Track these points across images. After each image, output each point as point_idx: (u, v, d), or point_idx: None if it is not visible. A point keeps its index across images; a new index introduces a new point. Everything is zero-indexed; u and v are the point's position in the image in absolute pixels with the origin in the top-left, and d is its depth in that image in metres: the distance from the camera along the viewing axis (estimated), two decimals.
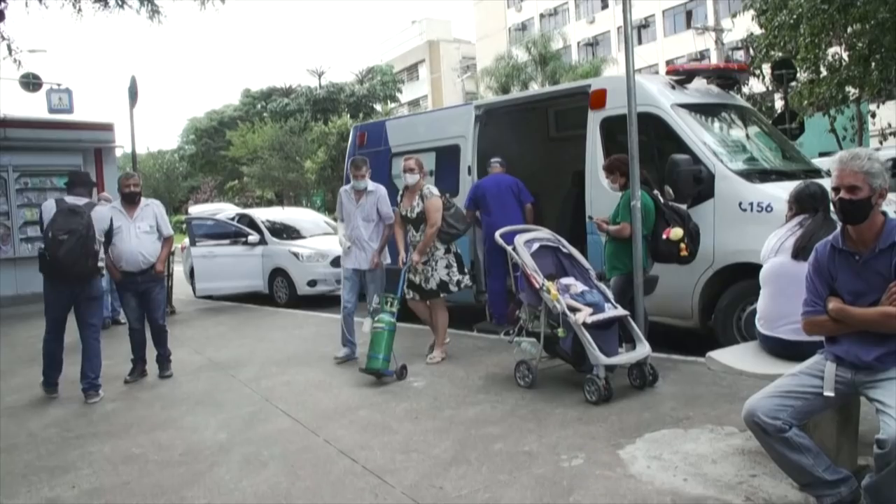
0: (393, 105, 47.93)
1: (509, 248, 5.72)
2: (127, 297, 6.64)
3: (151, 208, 6.66)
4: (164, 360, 6.76)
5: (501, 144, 8.83)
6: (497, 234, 5.98)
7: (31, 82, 16.63)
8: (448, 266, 6.54)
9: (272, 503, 3.68)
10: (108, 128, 15.01)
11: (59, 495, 4.02)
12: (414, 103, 56.79)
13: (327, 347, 7.28)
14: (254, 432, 4.90)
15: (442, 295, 6.59)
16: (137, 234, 6.44)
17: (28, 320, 6.96)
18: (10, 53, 12.01)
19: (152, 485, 4.08)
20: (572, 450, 4.15)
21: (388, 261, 7.10)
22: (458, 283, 6.57)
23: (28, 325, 6.92)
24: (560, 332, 5.25)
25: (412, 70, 61.37)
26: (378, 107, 45.79)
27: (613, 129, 6.95)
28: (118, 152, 16.23)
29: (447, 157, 8.55)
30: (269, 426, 5.01)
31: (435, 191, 6.54)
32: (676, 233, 5.54)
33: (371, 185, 6.87)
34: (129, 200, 6.56)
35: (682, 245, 5.55)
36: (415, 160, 6.63)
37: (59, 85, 17.14)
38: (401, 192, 6.78)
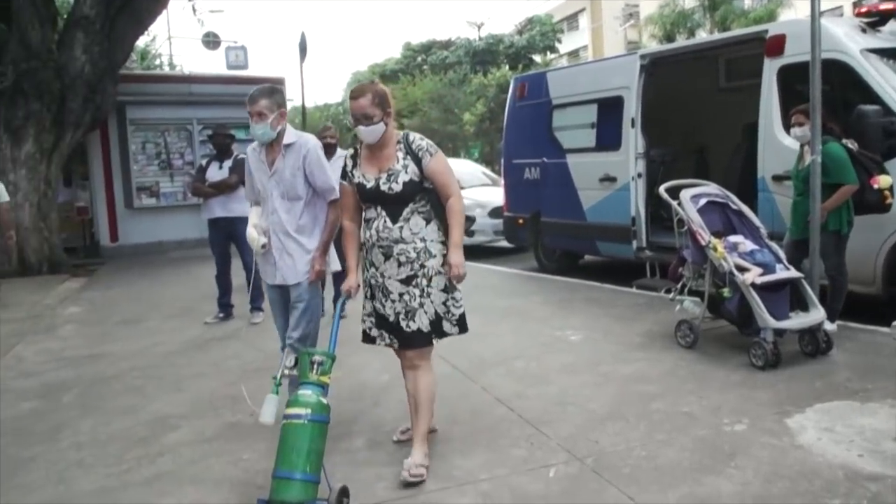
0: (552, 56, 46.98)
1: (674, 203, 5.53)
2: None
3: (343, 160, 7.04)
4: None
5: (667, 95, 8.51)
6: (662, 189, 5.80)
7: (211, 41, 17.88)
8: (448, 289, 3.58)
9: (432, 441, 3.83)
10: (279, 82, 15.77)
11: (239, 420, 4.39)
12: (573, 54, 55.37)
13: (483, 298, 7.40)
14: None
15: (436, 341, 3.61)
16: None
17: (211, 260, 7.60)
18: (194, 14, 12.87)
19: None
20: (735, 414, 4.01)
21: (335, 267, 4.19)
22: (461, 319, 3.65)
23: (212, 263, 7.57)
24: (725, 291, 5.05)
25: (572, 20, 59.68)
26: (537, 58, 45.07)
27: (792, 78, 6.47)
28: (288, 106, 17.12)
29: (610, 109, 8.33)
30: None
31: (428, 141, 3.60)
32: (886, 179, 5.17)
33: (291, 134, 3.93)
34: (326, 152, 6.97)
35: (888, 192, 5.16)
36: (370, 92, 3.47)
37: (235, 43, 18.38)
38: (351, 153, 3.71)
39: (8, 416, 4.70)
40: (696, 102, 9.03)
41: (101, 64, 12.14)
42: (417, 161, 3.47)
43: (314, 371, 3.29)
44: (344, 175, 3.66)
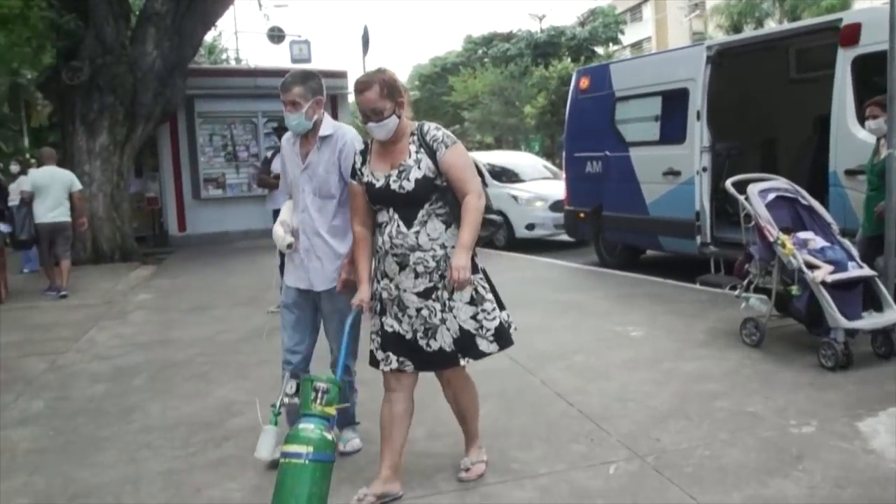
0: (615, 48, 46.29)
1: (741, 198, 5.40)
2: None
3: None
4: None
5: (734, 87, 8.30)
6: (728, 183, 5.67)
7: (275, 35, 18.21)
8: (475, 300, 3.08)
9: (491, 435, 3.85)
10: (342, 76, 16.00)
11: None
12: (636, 46, 54.40)
13: (543, 292, 7.37)
14: (473, 367, 5.09)
15: (464, 362, 3.13)
16: None
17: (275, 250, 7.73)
18: (260, 8, 13.17)
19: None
20: (803, 416, 3.91)
21: None
22: (499, 332, 3.14)
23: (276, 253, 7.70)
24: (794, 289, 4.90)
25: (635, 10, 58.65)
26: (599, 50, 44.49)
27: (867, 69, 6.24)
28: (350, 98, 17.32)
29: (674, 102, 8.17)
30: (488, 363, 5.10)
31: (445, 131, 3.15)
32: None
33: (328, 124, 3.53)
34: None
35: None
36: (376, 82, 3.04)
37: (299, 37, 18.61)
38: (361, 148, 3.29)
39: (83, 396, 4.90)
40: (764, 94, 8.78)
41: (171, 59, 12.50)
42: (432, 154, 3.03)
43: (318, 400, 2.85)
44: (353, 173, 3.24)
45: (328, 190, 3.48)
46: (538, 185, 12.38)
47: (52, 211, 8.77)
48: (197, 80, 14.25)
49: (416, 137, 3.09)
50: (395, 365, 3.11)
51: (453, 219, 3.05)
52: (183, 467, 3.69)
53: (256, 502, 3.21)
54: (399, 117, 3.05)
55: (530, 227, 11.67)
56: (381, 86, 3.00)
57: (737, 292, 5.55)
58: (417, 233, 3.02)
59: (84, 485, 3.52)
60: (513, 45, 46.92)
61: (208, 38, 22.90)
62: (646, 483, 3.25)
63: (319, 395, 2.86)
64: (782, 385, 4.41)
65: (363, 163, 3.20)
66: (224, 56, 32.80)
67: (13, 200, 10.53)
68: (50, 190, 8.80)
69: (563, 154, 10.58)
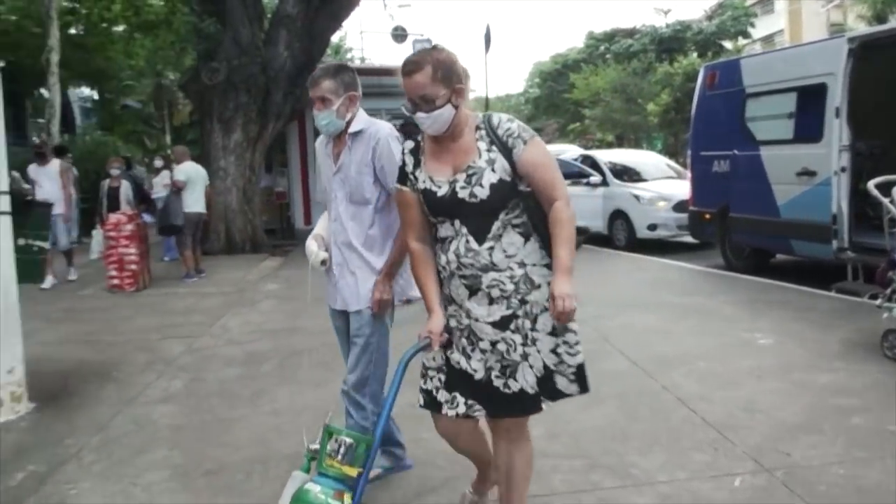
0: (744, 42, 44.35)
1: (885, 201, 5.07)
2: None
3: None
4: None
5: (878, 82, 7.76)
6: (871, 184, 5.33)
7: (399, 34, 18.59)
8: (557, 330, 2.52)
9: (610, 438, 3.79)
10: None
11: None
12: (767, 39, 51.79)
13: (664, 294, 7.18)
14: (592, 369, 4.96)
15: (544, 406, 2.54)
16: None
17: None
18: (384, 8, 13.51)
19: None
20: None
21: (415, 294, 2.96)
22: (581, 371, 2.57)
23: None
24: None
25: (766, 2, 55.81)
26: (728, 44, 42.75)
27: None
28: (471, 96, 17.48)
29: (811, 98, 7.76)
30: (606, 365, 5.13)
31: (520, 122, 2.55)
32: None
33: (360, 120, 3.06)
34: None
35: None
36: (429, 63, 2.43)
37: (421, 36, 18.91)
38: (411, 146, 2.61)
39: (216, 378, 5.20)
40: None
41: (301, 59, 13.00)
42: (507, 152, 2.44)
43: (338, 456, 2.32)
44: (403, 177, 2.59)
45: (361, 194, 3.00)
46: (661, 184, 12.05)
47: (198, 203, 9.67)
48: None
49: (483, 132, 2.49)
50: (462, 409, 2.53)
51: (532, 230, 2.48)
52: None
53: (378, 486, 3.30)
54: (456, 107, 2.46)
55: (652, 227, 11.38)
56: (434, 67, 2.40)
57: (878, 301, 5.20)
58: (491, 249, 2.44)
59: (217, 462, 3.73)
60: (636, 40, 45.86)
61: (334, 38, 23.65)
62: (774, 499, 3.12)
63: (342, 450, 2.33)
64: None
65: (416, 165, 2.57)
66: (349, 55, 33.88)
67: (157, 193, 11.33)
68: (197, 183, 9.70)
69: (689, 152, 10.27)
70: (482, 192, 2.41)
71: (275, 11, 13.99)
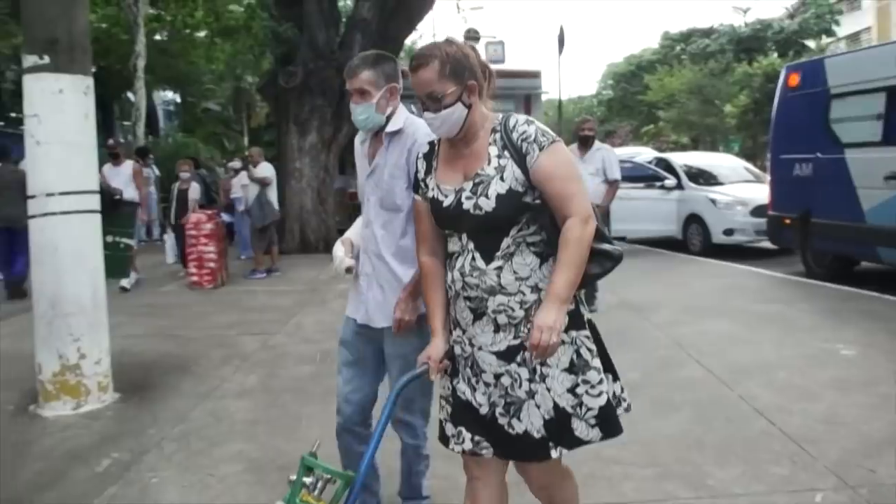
0: (828, 40, 42.75)
1: None
2: None
3: (601, 153, 7.23)
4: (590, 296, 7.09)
5: None
6: None
7: (472, 36, 18.63)
8: (577, 367, 2.16)
9: (684, 447, 3.71)
10: (536, 75, 16.05)
11: None
12: (853, 38, 49.81)
13: (743, 301, 6.98)
14: (665, 376, 4.96)
15: (555, 453, 2.15)
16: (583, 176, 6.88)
17: None
18: (458, 11, 13.62)
19: None
20: None
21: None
22: (605, 414, 2.16)
23: None
24: None
25: None
26: (810, 43, 41.29)
27: None
28: (543, 98, 17.37)
29: None
30: (681, 372, 5.03)
31: (540, 125, 2.20)
32: None
33: (400, 117, 2.71)
34: (583, 143, 7.18)
35: None
36: (437, 58, 2.15)
37: (494, 38, 18.94)
38: (425, 149, 2.39)
39: (290, 375, 5.31)
40: None
41: None
42: (521, 159, 2.12)
43: (315, 491, 2.10)
44: (416, 185, 2.38)
45: (392, 200, 2.68)
46: (739, 188, 11.74)
47: (276, 201, 10.12)
48: None
49: (498, 135, 2.18)
50: (468, 445, 2.22)
51: (552, 249, 2.14)
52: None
53: (445, 486, 3.31)
54: (469, 107, 2.16)
55: (729, 232, 11.10)
56: (441, 62, 2.12)
57: None
58: (499, 269, 2.13)
59: (291, 458, 3.79)
60: (713, 40, 44.80)
61: (408, 41, 23.91)
62: None
63: (318, 484, 2.10)
64: None
65: (428, 171, 2.32)
66: None
67: (235, 193, 11.67)
68: (275, 183, 10.13)
69: (769, 155, 9.96)
70: (487, 204, 2.11)
71: (350, 15, 14.23)
